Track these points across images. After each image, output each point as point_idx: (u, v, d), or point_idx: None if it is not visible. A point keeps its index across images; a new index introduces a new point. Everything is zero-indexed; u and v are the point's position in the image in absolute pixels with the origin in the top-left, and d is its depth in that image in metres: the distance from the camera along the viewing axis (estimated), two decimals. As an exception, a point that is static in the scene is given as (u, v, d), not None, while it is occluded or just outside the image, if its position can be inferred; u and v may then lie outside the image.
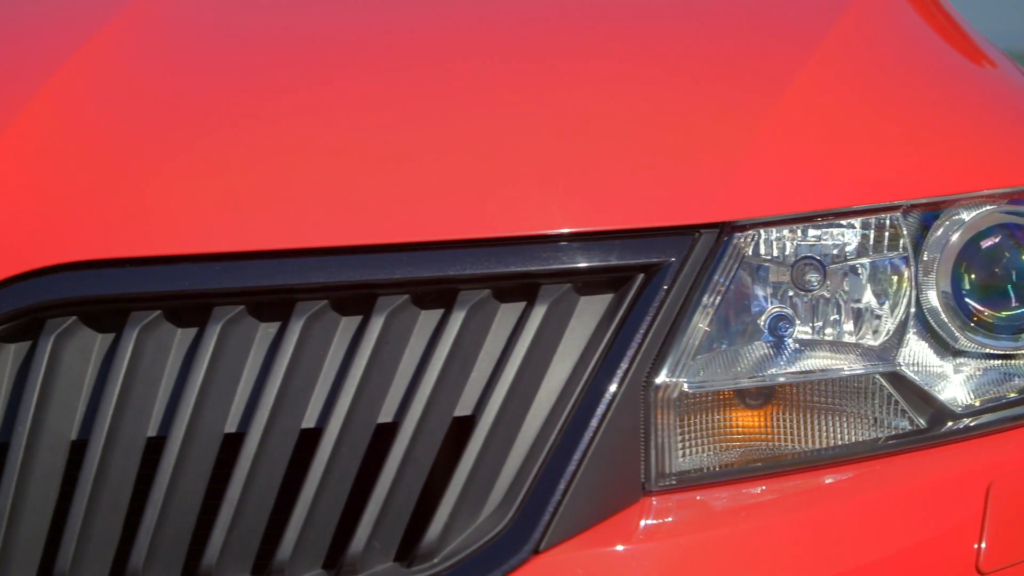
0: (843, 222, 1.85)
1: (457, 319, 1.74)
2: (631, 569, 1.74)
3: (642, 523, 1.77)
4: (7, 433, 1.71)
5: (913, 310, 1.87)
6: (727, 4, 2.14)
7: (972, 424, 1.89)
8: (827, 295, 1.85)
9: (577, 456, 1.74)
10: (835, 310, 1.85)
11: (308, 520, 1.71)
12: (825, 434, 1.83)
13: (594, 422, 1.74)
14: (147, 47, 1.93)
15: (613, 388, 1.75)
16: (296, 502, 1.71)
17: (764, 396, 1.83)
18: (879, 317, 1.86)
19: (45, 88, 1.83)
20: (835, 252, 1.85)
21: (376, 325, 1.73)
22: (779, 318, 1.83)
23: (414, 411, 1.72)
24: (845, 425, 1.84)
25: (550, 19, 2.06)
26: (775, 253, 1.83)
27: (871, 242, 1.85)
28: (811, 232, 1.84)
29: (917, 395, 1.86)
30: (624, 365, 1.75)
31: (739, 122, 1.85)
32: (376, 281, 1.74)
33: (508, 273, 1.75)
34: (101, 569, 1.70)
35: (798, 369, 1.82)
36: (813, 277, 1.84)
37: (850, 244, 1.85)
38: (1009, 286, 1.91)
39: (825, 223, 1.84)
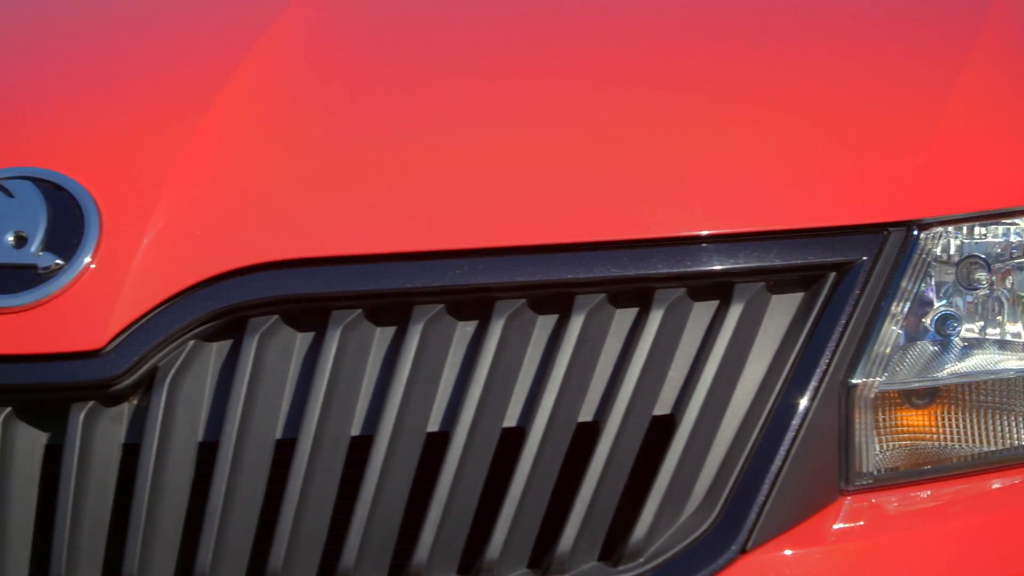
0: (1010, 220, 1.86)
1: (655, 318, 1.73)
2: (838, 569, 1.73)
3: (841, 524, 1.76)
4: (216, 432, 1.68)
5: None
6: (875, 4, 2.16)
7: None
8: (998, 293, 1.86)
9: (780, 455, 1.73)
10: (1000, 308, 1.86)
11: (515, 519, 1.69)
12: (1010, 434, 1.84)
13: (796, 422, 1.74)
14: (313, 45, 1.93)
15: (812, 387, 1.74)
16: (503, 501, 1.69)
17: (939, 394, 1.84)
18: None
19: (229, 87, 1.83)
20: (999, 251, 1.86)
21: (576, 324, 1.72)
22: (947, 317, 1.84)
23: (617, 410, 1.71)
24: None
25: (702, 21, 2.08)
26: (951, 251, 1.84)
27: None
28: (978, 231, 1.85)
29: None
30: (823, 364, 1.75)
31: (917, 121, 1.86)
32: (575, 280, 1.73)
33: (704, 272, 1.75)
34: (310, 567, 1.68)
35: (989, 368, 1.83)
36: (982, 276, 1.85)
37: (1015, 242, 1.86)
38: None
39: (994, 221, 1.85)
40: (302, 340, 1.72)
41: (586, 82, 1.89)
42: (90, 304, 1.68)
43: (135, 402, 1.70)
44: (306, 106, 1.84)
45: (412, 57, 1.94)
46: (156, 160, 1.76)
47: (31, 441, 1.68)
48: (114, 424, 1.69)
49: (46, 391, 1.67)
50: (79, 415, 1.67)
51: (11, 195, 1.72)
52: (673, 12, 2.05)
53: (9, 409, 1.67)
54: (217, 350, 1.71)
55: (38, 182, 1.73)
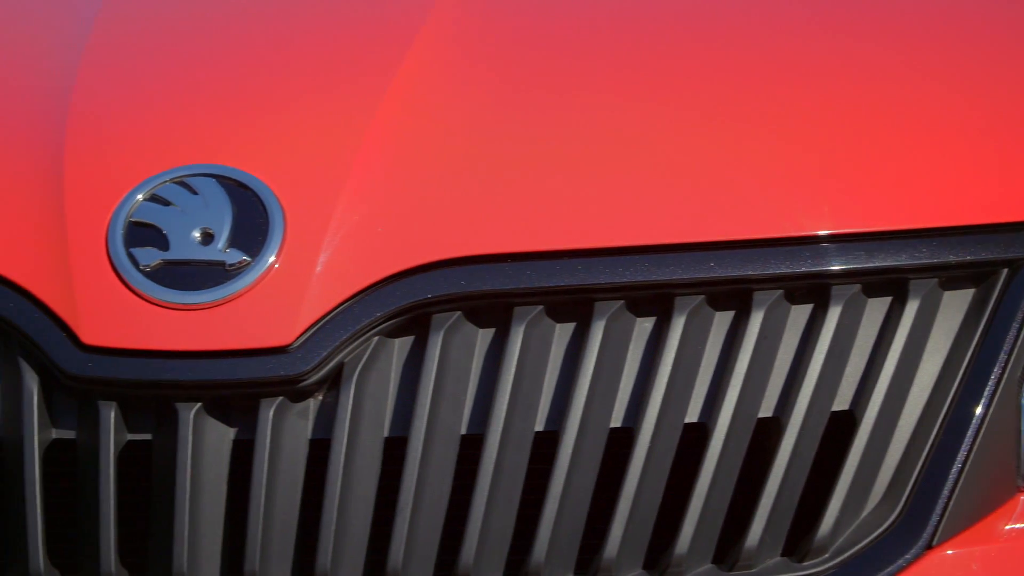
0: None
1: (833, 314, 1.73)
2: (1021, 568, 1.73)
3: (1019, 524, 1.76)
4: (401, 427, 1.69)
5: None
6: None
7: None
8: None
9: (963, 452, 1.73)
10: None
11: (701, 515, 1.69)
12: None
13: (976, 418, 1.73)
14: (468, 39, 1.93)
15: (991, 384, 1.74)
16: (690, 496, 1.69)
17: None
18: None
19: (394, 84, 1.83)
20: None
21: (756, 320, 1.72)
22: None
23: (799, 405, 1.71)
24: None
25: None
26: None
27: None
28: None
29: None
30: (1000, 360, 1.75)
31: None
32: (754, 276, 1.73)
33: (880, 268, 1.75)
34: (498, 562, 1.68)
35: None
36: None
37: None
38: None
39: None
40: (484, 336, 1.73)
41: (722, 80, 1.89)
42: (278, 301, 1.69)
43: (320, 398, 1.71)
44: (471, 100, 1.85)
45: (565, 49, 1.95)
46: (333, 158, 1.76)
47: (219, 436, 1.69)
48: (301, 420, 1.70)
49: (235, 387, 1.68)
50: (269, 411, 1.68)
51: (195, 192, 1.73)
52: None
53: (199, 405, 1.68)
54: (400, 346, 1.72)
55: (220, 179, 1.74)
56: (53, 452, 1.71)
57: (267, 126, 1.81)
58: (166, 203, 1.73)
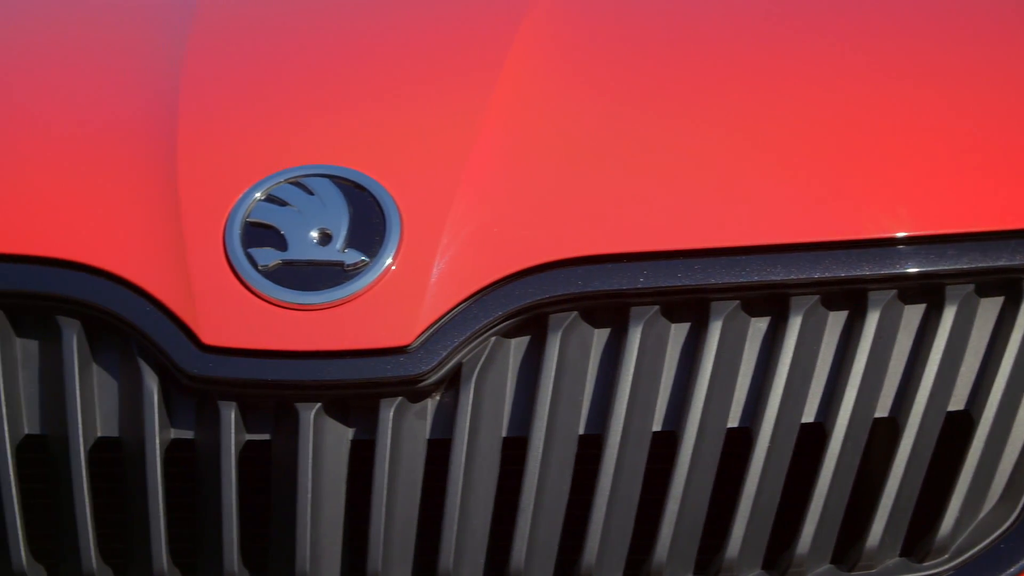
0: None
1: (948, 315, 1.73)
2: None
3: None
4: (519, 427, 1.69)
5: None
6: None
7: None
8: None
9: None
10: None
11: (821, 516, 1.69)
12: None
13: None
14: (571, 32, 1.92)
15: None
16: (810, 497, 1.69)
17: None
18: None
19: (500, 82, 1.83)
20: None
21: (872, 320, 1.72)
22: None
23: (917, 405, 1.71)
24: None
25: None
26: None
27: None
28: None
29: None
30: None
31: None
32: (870, 276, 1.72)
33: (993, 268, 1.74)
34: (617, 562, 1.68)
35: None
36: None
37: None
38: None
39: None
40: (599, 336, 1.72)
41: (828, 78, 1.89)
42: (396, 301, 1.69)
43: (437, 398, 1.71)
44: (577, 99, 1.84)
45: (662, 45, 1.94)
46: (446, 158, 1.76)
47: (338, 436, 1.69)
48: (419, 420, 1.70)
49: (356, 387, 1.68)
50: (389, 411, 1.68)
51: (311, 192, 1.73)
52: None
53: (319, 405, 1.68)
54: (516, 346, 1.72)
55: (336, 180, 1.74)
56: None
57: (378, 126, 1.81)
58: (282, 203, 1.73)
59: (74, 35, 2.04)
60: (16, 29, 2.07)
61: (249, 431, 1.70)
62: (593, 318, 1.73)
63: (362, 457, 1.69)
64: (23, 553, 1.70)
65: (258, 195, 1.74)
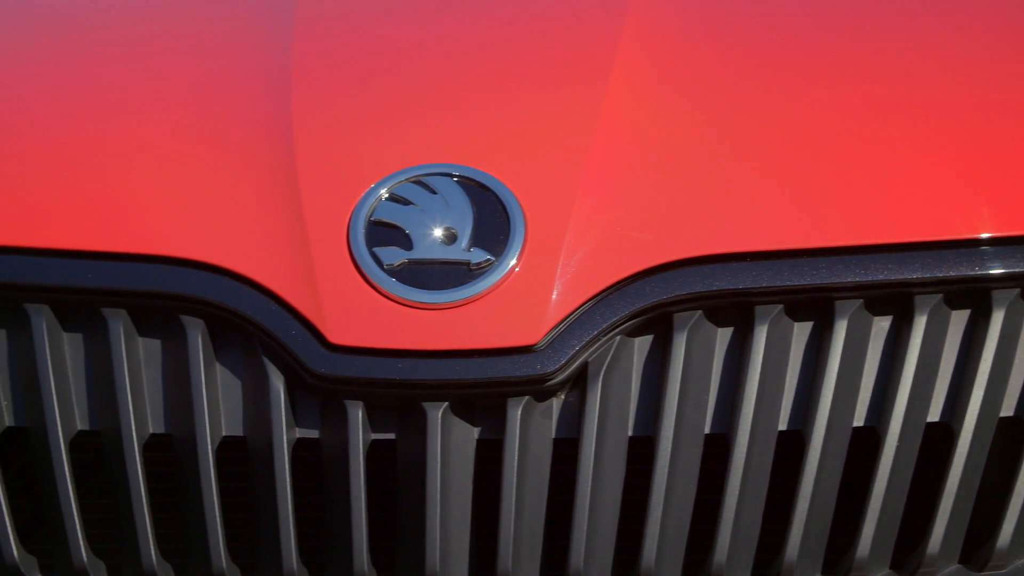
0: None
1: None
2: None
3: None
4: (645, 426, 1.69)
5: None
6: None
7: None
8: None
9: None
10: None
11: (951, 518, 1.69)
12: None
13: None
14: (670, 38, 1.92)
15: None
16: (939, 497, 1.69)
17: None
18: None
19: (613, 79, 1.83)
20: None
21: (997, 320, 1.72)
22: None
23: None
24: None
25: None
26: None
27: None
28: None
29: None
30: None
31: None
32: (995, 275, 1.72)
33: None
34: (746, 562, 1.68)
35: None
36: None
37: None
38: None
39: None
40: (723, 335, 1.72)
41: (944, 74, 1.89)
42: (523, 301, 1.69)
43: (562, 397, 1.70)
44: (689, 96, 1.84)
45: (767, 42, 1.94)
46: (566, 156, 1.76)
47: (464, 436, 1.69)
48: (545, 419, 1.70)
49: (483, 386, 1.67)
50: (517, 410, 1.67)
51: (434, 192, 1.73)
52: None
53: (446, 404, 1.67)
54: (639, 345, 1.71)
55: (459, 179, 1.74)
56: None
57: (495, 125, 1.80)
58: (406, 202, 1.73)
59: (176, 32, 2.03)
60: (119, 29, 2.06)
61: (373, 430, 1.70)
62: (717, 317, 1.72)
63: (485, 456, 1.69)
64: (153, 552, 1.71)
65: (381, 194, 1.73)
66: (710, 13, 1.98)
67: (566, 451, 1.69)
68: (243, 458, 1.72)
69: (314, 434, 1.70)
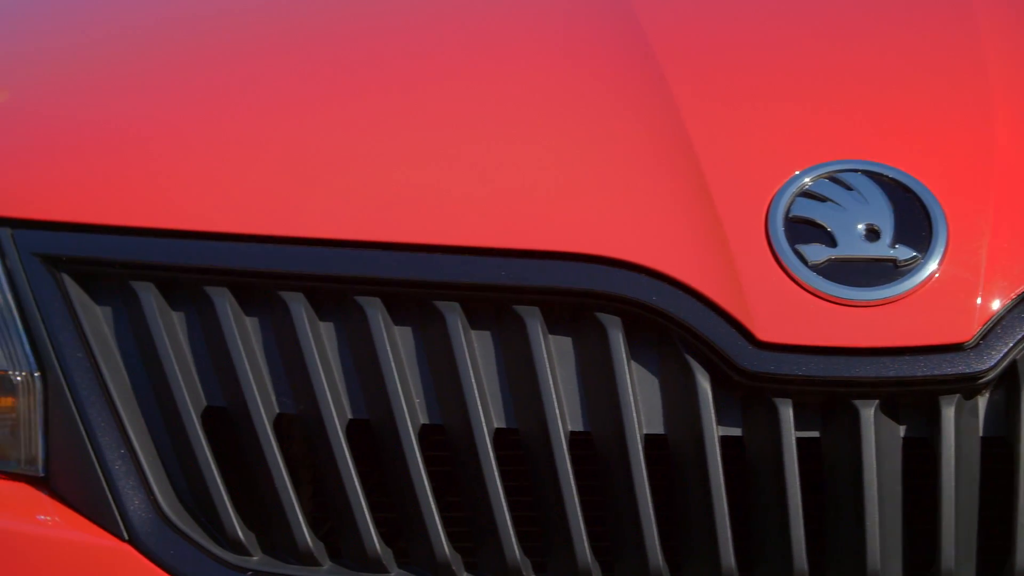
0: None
1: None
2: None
3: None
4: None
5: None
6: None
7: None
8: None
9: None
10: None
11: None
12: None
13: None
14: None
15: None
16: None
17: None
18: None
19: (992, 74, 1.82)
20: None
21: None
22: None
23: None
24: None
25: None
26: None
27: None
28: None
29: None
30: None
31: None
32: None
33: None
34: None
35: None
36: None
37: None
38: None
39: None
40: None
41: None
42: (950, 298, 1.68)
43: (986, 395, 1.69)
44: None
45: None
46: (973, 151, 1.75)
47: (892, 434, 1.68)
48: (972, 417, 1.69)
49: (914, 384, 1.66)
50: (950, 409, 1.66)
51: (849, 188, 1.72)
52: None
53: (877, 402, 1.66)
54: None
55: (872, 175, 1.73)
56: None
57: (891, 120, 1.80)
58: (822, 199, 1.71)
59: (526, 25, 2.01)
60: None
61: (797, 428, 1.68)
62: None
63: (913, 455, 1.69)
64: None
65: (795, 190, 1.72)
66: None
67: (994, 450, 1.69)
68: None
69: (735, 432, 1.69)
